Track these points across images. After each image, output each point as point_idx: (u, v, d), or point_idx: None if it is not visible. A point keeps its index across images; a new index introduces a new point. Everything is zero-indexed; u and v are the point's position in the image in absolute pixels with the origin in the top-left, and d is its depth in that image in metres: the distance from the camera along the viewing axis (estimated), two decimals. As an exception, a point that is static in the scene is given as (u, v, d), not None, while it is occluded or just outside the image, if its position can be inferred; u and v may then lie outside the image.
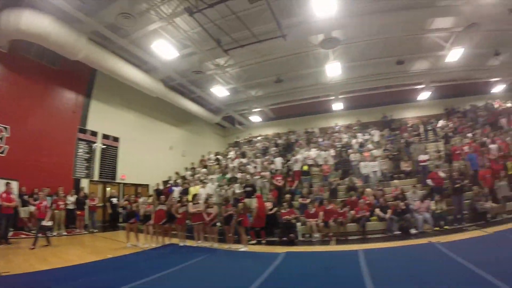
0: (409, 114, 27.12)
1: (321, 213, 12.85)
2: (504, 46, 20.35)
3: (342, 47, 17.83)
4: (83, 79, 17.81)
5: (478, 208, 12.47)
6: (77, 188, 16.27)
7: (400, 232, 12.12)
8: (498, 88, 26.58)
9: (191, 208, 12.32)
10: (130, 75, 16.90)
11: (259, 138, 27.48)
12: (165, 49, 15.03)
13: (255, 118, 27.26)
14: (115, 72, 16.23)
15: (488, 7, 14.97)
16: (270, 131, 28.82)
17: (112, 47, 15.54)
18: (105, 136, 18.69)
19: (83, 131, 17.66)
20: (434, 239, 10.22)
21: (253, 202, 13.27)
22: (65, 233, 14.38)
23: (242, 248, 11.18)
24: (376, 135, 21.82)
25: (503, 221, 11.99)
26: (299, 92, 23.45)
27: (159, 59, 16.10)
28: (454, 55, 18.82)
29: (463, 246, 9.19)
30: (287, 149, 22.30)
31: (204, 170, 20.56)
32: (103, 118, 18.48)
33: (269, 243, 12.37)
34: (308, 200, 13.97)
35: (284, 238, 12.38)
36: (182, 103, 21.78)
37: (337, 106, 25.63)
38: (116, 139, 19.30)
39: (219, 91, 21.06)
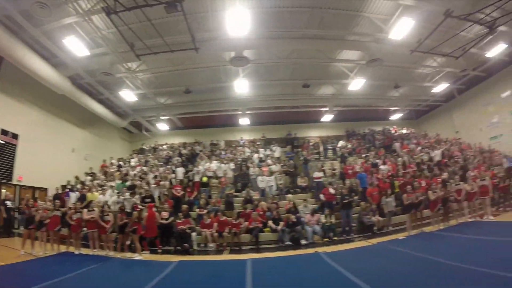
0: (313, 133, 29.01)
1: (215, 224, 13.26)
2: (403, 81, 23.33)
3: (253, 65, 18.60)
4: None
5: (365, 221, 13.91)
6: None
7: (291, 243, 12.93)
8: (396, 116, 30.32)
9: (85, 215, 11.90)
10: (37, 68, 15.39)
11: (164, 146, 27.23)
12: (77, 45, 14.19)
13: (163, 126, 26.99)
14: (22, 62, 14.65)
15: (392, 46, 16.77)
16: (176, 140, 28.63)
17: (23, 35, 14.33)
18: (4, 132, 16.72)
19: (-21, 123, 15.96)
20: (321, 249, 11.14)
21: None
22: None
23: (136, 256, 11.17)
24: (277, 151, 22.94)
25: (388, 233, 13.62)
26: (208, 104, 23.93)
27: (70, 55, 15.05)
28: (357, 84, 20.92)
29: (346, 256, 10.14)
30: (190, 160, 22.41)
31: (103, 176, 19.83)
32: (3, 112, 16.58)
33: (165, 252, 12.46)
34: (205, 211, 14.25)
35: (179, 248, 12.55)
36: (89, 104, 20.65)
37: (244, 121, 26.51)
38: (15, 136, 17.35)
39: (128, 95, 20.49)
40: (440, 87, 24.56)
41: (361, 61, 19.35)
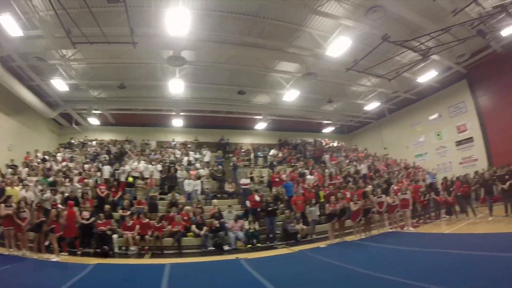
0: (246, 140, 29.13)
1: (137, 226, 12.83)
2: (337, 96, 24.29)
3: (191, 67, 18.44)
4: None
5: (289, 229, 14.24)
6: None
7: (214, 248, 12.87)
8: (328, 129, 31.68)
9: (2, 211, 10.96)
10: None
11: (94, 142, 25.94)
12: (12, 24, 12.85)
13: (94, 121, 25.76)
14: None
15: (329, 62, 17.26)
16: (107, 137, 27.29)
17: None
18: None
19: None
20: (243, 256, 11.22)
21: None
22: None
23: (53, 258, 10.56)
24: (207, 155, 22.66)
25: (312, 241, 14.02)
26: (142, 102, 23.28)
27: (3, 34, 13.57)
28: (292, 95, 21.33)
29: (266, 263, 10.28)
30: (118, 158, 21.55)
31: (26, 169, 18.43)
32: None
33: (84, 254, 11.88)
34: (128, 213, 13.77)
35: (98, 250, 11.99)
36: (18, 89, 18.80)
37: (178, 122, 25.99)
38: None
39: (60, 84, 19.07)
40: (372, 105, 26.04)
41: (297, 73, 19.84)
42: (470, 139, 23.09)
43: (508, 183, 13.33)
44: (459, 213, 15.46)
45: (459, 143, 23.85)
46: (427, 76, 21.28)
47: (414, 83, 23.14)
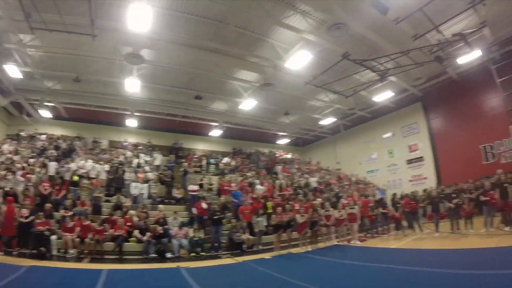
0: (200, 146, 28.84)
1: (77, 228, 12.28)
2: (294, 109, 24.53)
3: (150, 67, 18.03)
4: None
5: (235, 239, 14.00)
6: None
7: (156, 255, 12.46)
8: (283, 141, 32.07)
9: None
10: None
11: (43, 136, 24.71)
12: None
13: (46, 113, 24.50)
14: None
15: (288, 75, 17.37)
16: (59, 131, 26.08)
17: None
18: None
19: None
20: (185, 264, 10.90)
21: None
22: None
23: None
24: (158, 158, 22.13)
25: (258, 251, 13.86)
26: (97, 98, 22.39)
27: None
28: (249, 104, 21.24)
29: (206, 272, 10.07)
30: (67, 155, 20.47)
31: None
32: None
33: (21, 255, 11.17)
34: (70, 213, 13.09)
35: (34, 251, 11.29)
36: None
37: (132, 122, 25.11)
38: None
39: (13, 70, 17.73)
40: (328, 121, 26.66)
41: (256, 83, 19.90)
42: (420, 158, 24.43)
43: (454, 201, 13.82)
44: (407, 228, 15.87)
45: (410, 161, 25.13)
46: (384, 96, 22.13)
47: (370, 102, 23.90)
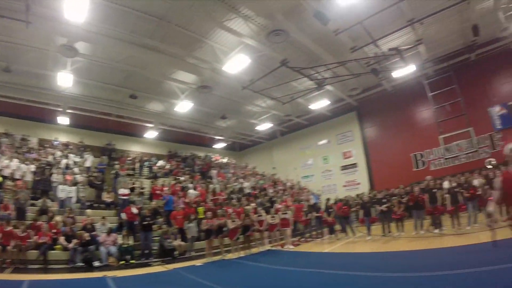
0: (134, 148, 27.54)
1: (-1, 235, 11.30)
2: (231, 113, 24.54)
3: (84, 61, 16.98)
4: None
5: (166, 245, 13.45)
6: None
7: (84, 264, 11.71)
8: (220, 145, 31.52)
9: None
10: None
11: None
12: None
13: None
14: None
15: (227, 78, 17.25)
16: None
17: None
18: None
19: None
20: (113, 273, 10.32)
21: None
22: None
23: None
24: (89, 160, 20.70)
25: (191, 258, 13.40)
26: (28, 92, 20.53)
27: None
28: (185, 106, 20.79)
29: (133, 282, 9.59)
30: (-8, 153, 18.97)
31: None
32: None
33: None
34: (-9, 218, 12.01)
35: None
36: None
37: (63, 120, 23.43)
38: None
39: None
40: (265, 126, 26.90)
41: (193, 84, 19.51)
42: (354, 165, 25.67)
43: (384, 206, 14.28)
44: (340, 232, 16.16)
45: (344, 167, 26.29)
46: (320, 104, 22.79)
47: (307, 109, 24.46)
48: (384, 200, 14.87)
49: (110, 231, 12.99)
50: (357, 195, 18.90)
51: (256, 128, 27.65)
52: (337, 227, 16.38)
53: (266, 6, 13.32)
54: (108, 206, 16.45)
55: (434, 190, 13.29)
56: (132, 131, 26.75)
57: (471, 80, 19.77)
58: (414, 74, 19.62)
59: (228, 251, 13.56)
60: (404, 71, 18.26)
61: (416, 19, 14.51)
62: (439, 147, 19.71)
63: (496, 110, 18.51)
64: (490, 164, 17.64)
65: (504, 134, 18.56)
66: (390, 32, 15.36)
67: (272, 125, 26.92)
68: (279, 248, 14.60)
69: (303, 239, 16.60)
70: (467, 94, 19.28)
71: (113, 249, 12.43)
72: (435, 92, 19.85)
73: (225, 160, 31.21)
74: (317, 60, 17.13)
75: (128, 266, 12.09)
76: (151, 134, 26.10)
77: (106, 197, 16.69)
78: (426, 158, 21.51)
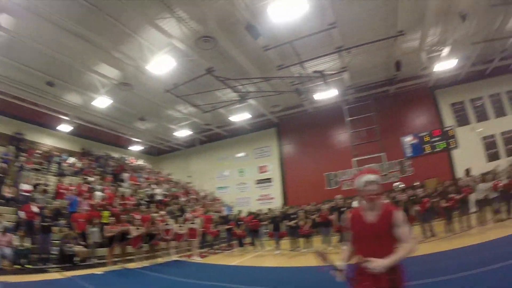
0: (47, 141, 25.18)
1: None
2: (150, 115, 23.69)
3: (5, 36, 15.23)
4: None
5: (66, 250, 12.40)
6: None
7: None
8: (137, 148, 30.73)
9: None
10: None
11: None
12: None
13: None
14: None
15: (149, 78, 17.28)
16: None
17: None
18: None
19: None
20: (6, 278, 9.45)
21: None
22: None
23: None
24: (-8, 149, 18.83)
25: (93, 265, 12.52)
26: None
27: None
28: (104, 102, 19.61)
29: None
30: None
31: None
32: None
33: None
34: None
35: None
36: None
37: None
38: None
39: None
40: (184, 133, 26.57)
41: (115, 80, 18.55)
42: (269, 180, 26.28)
43: (293, 221, 14.71)
44: (249, 245, 16.32)
45: (259, 181, 26.79)
46: (241, 117, 23.13)
47: (227, 121, 24.64)
48: (293, 216, 15.34)
49: (5, 230, 11.61)
50: (269, 209, 19.18)
51: (174, 134, 27.06)
52: (248, 240, 16.51)
53: (201, 11, 13.21)
54: (7, 201, 14.73)
55: (342, 209, 13.74)
56: (45, 122, 24.26)
57: (388, 110, 21.53)
58: (335, 98, 20.65)
59: (132, 260, 12.98)
60: (326, 94, 19.31)
61: (344, 47, 15.31)
62: (352, 169, 20.51)
63: (408, 140, 19.78)
64: (398, 188, 18.69)
65: (414, 161, 20.29)
66: (317, 56, 15.98)
67: (192, 132, 26.66)
68: (185, 259, 14.39)
69: (211, 250, 16.53)
70: (383, 122, 20.59)
71: (8, 251, 11.22)
72: (353, 118, 20.89)
73: (140, 163, 30.22)
74: (243, 73, 17.24)
75: (23, 271, 11.01)
76: (65, 127, 23.95)
77: (7, 191, 14.97)
78: (339, 178, 22.54)
